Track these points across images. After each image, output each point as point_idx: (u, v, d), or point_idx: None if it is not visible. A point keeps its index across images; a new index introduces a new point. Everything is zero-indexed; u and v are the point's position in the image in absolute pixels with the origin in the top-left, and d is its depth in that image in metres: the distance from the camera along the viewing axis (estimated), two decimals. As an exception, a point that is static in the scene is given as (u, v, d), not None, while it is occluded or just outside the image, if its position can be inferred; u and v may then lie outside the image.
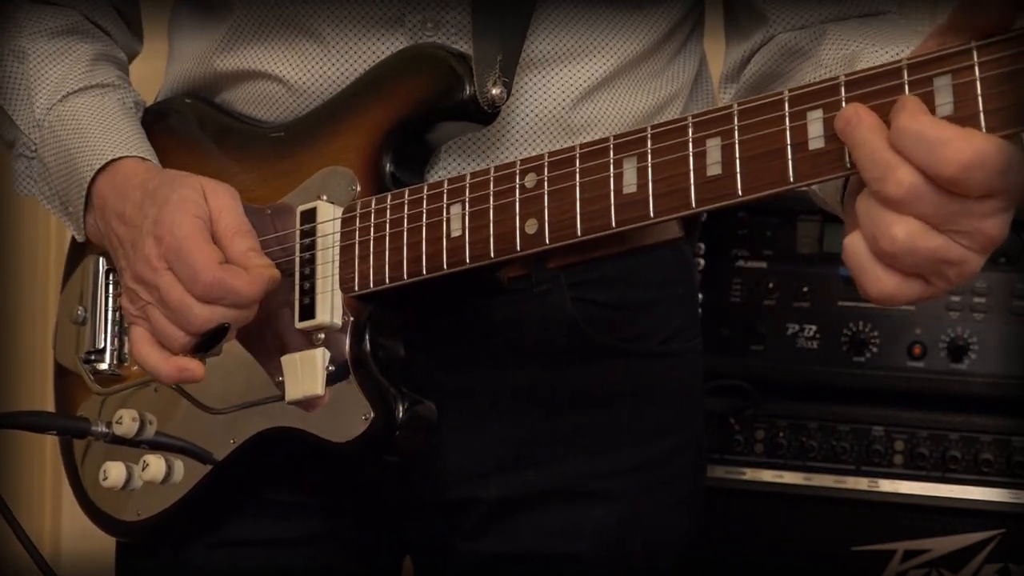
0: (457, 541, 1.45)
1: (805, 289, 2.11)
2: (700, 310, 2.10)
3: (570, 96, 1.38)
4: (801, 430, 2.09)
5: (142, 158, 1.41)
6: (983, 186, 0.93)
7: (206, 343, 1.27)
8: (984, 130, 0.93)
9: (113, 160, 1.40)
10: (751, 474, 2.10)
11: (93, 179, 1.40)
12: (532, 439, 1.42)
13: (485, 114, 1.28)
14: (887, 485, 2.05)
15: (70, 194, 1.44)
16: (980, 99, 0.93)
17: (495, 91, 1.28)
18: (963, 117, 0.94)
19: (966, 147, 0.92)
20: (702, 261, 2.14)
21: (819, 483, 2.08)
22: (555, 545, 1.43)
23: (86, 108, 1.46)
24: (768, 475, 2.10)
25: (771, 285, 2.13)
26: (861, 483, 2.06)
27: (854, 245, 0.99)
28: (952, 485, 2.03)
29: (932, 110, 0.95)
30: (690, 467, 1.53)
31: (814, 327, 2.11)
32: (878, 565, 2.03)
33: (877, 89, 0.99)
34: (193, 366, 1.28)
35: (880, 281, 0.98)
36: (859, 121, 0.97)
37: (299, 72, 1.39)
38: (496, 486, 1.43)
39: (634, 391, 1.45)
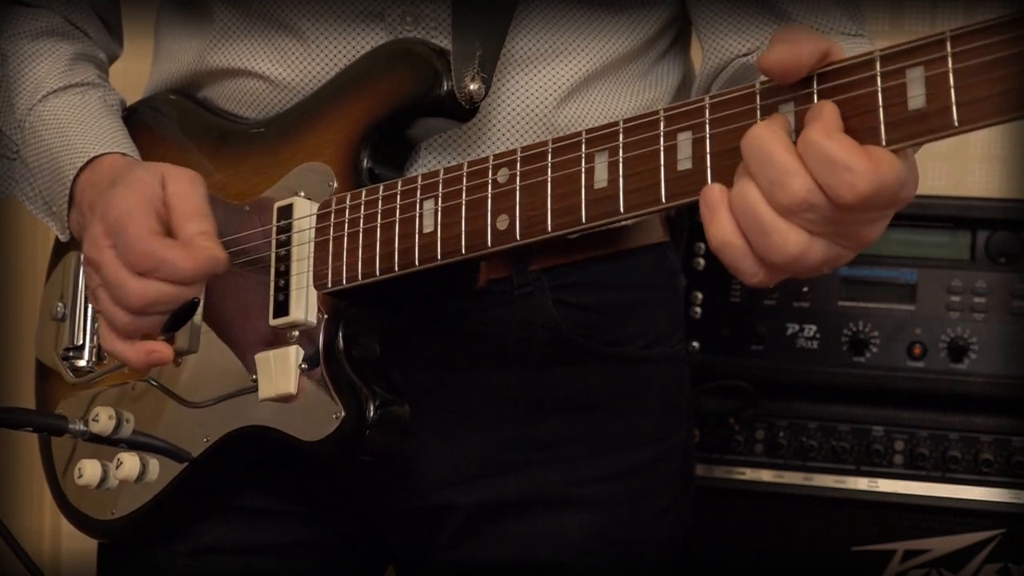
0: (437, 548, 1.43)
1: (805, 289, 2.10)
2: (700, 310, 2.11)
3: (553, 95, 1.37)
4: (801, 430, 2.08)
5: (123, 154, 1.41)
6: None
7: (173, 322, 1.25)
8: (957, 122, 0.91)
9: (95, 157, 1.40)
10: (751, 474, 2.09)
11: (76, 177, 1.40)
12: (513, 444, 1.41)
13: (463, 110, 1.27)
14: (887, 485, 2.04)
15: (54, 193, 1.43)
16: (953, 91, 0.92)
17: (473, 86, 1.26)
18: (936, 110, 0.92)
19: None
20: (702, 261, 2.13)
21: (819, 483, 2.07)
22: (537, 552, 1.41)
23: (67, 107, 1.46)
24: (768, 475, 2.08)
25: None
26: (861, 483, 2.05)
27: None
28: (952, 485, 2.02)
29: (904, 102, 0.94)
30: (675, 474, 1.50)
31: (814, 327, 2.10)
32: (878, 565, 2.03)
33: (850, 81, 0.97)
34: (160, 348, 1.26)
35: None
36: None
37: (281, 69, 1.39)
38: (477, 492, 1.41)
39: (617, 396, 1.43)
